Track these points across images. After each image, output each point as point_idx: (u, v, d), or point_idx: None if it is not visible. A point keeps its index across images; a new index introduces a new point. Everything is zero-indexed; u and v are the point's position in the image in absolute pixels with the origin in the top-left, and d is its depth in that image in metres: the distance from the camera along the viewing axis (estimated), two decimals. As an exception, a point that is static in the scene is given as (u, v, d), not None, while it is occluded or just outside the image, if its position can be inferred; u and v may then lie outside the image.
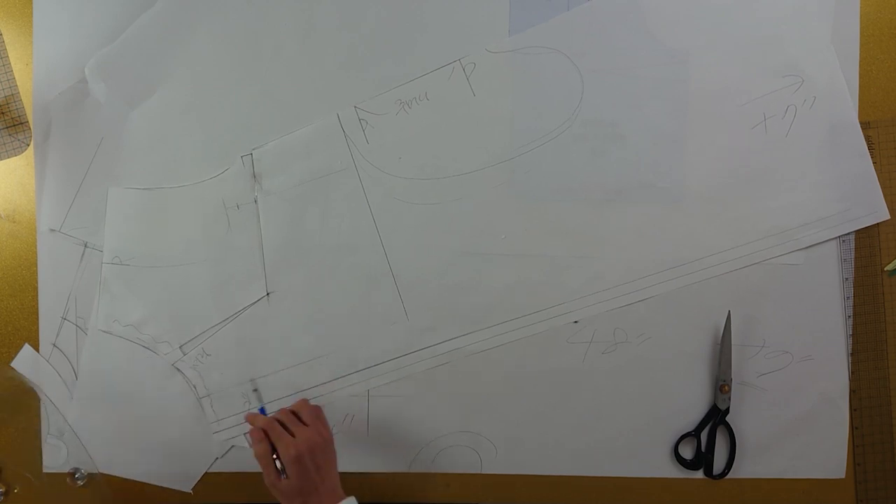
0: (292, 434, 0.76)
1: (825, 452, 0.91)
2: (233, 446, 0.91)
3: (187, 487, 0.91)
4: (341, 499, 0.75)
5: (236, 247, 0.89)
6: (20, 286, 0.91)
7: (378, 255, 0.89)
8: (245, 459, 0.91)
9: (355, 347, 0.90)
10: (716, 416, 0.89)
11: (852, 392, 0.90)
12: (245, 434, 0.90)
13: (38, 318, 0.91)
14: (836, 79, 0.87)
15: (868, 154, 0.88)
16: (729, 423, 0.89)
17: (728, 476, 0.91)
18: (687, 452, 0.91)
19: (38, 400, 0.91)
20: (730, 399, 0.89)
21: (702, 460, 0.90)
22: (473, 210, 0.88)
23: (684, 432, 0.90)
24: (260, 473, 0.88)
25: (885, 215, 0.88)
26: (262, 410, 0.86)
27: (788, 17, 0.87)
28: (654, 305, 0.89)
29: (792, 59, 0.87)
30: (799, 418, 0.90)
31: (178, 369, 0.90)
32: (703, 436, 0.90)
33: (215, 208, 0.89)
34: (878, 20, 0.88)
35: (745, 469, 0.91)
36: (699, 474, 0.91)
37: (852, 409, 0.90)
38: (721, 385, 0.88)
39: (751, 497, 0.91)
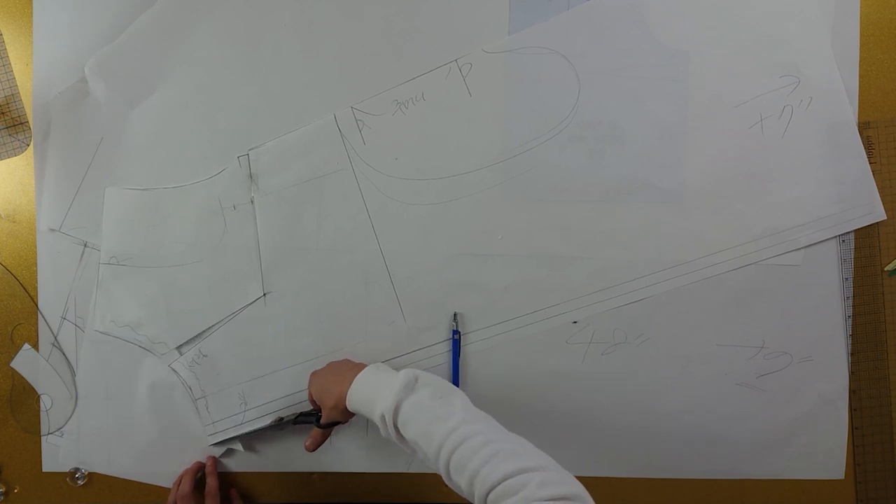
0: None
1: (825, 452, 0.91)
2: (228, 448, 0.91)
3: None
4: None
5: (233, 247, 0.89)
6: (20, 286, 0.91)
7: (375, 256, 0.89)
8: (241, 459, 0.91)
9: (353, 348, 0.89)
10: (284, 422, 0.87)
11: (852, 392, 0.90)
12: (241, 436, 0.90)
13: (37, 318, 0.91)
14: (832, 79, 0.87)
15: (864, 154, 0.88)
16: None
17: (727, 476, 0.91)
18: None
19: (38, 400, 0.91)
20: None
21: None
22: (470, 210, 0.88)
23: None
24: (255, 473, 0.89)
25: (881, 216, 0.88)
26: (457, 333, 0.87)
27: (786, 18, 0.87)
28: (652, 306, 0.89)
29: (789, 59, 0.87)
30: (799, 419, 0.90)
31: (174, 370, 0.90)
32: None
33: (212, 209, 0.89)
34: (878, 20, 0.88)
35: (745, 469, 0.91)
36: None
37: (852, 409, 0.90)
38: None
39: (751, 497, 0.91)
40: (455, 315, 0.88)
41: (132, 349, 0.90)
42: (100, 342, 0.90)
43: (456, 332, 0.88)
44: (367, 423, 0.90)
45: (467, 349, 0.89)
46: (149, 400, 0.90)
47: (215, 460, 0.91)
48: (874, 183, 0.88)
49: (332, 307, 0.89)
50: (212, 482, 0.89)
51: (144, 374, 0.90)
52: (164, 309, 0.89)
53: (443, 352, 0.89)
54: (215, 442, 0.90)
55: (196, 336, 0.90)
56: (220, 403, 0.90)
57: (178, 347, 0.90)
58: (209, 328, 0.90)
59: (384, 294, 0.89)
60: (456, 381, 0.88)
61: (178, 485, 0.89)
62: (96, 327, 0.90)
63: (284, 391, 0.90)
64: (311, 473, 0.92)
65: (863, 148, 0.87)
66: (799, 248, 0.88)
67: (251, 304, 0.89)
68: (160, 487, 0.92)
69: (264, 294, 0.89)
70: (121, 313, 0.90)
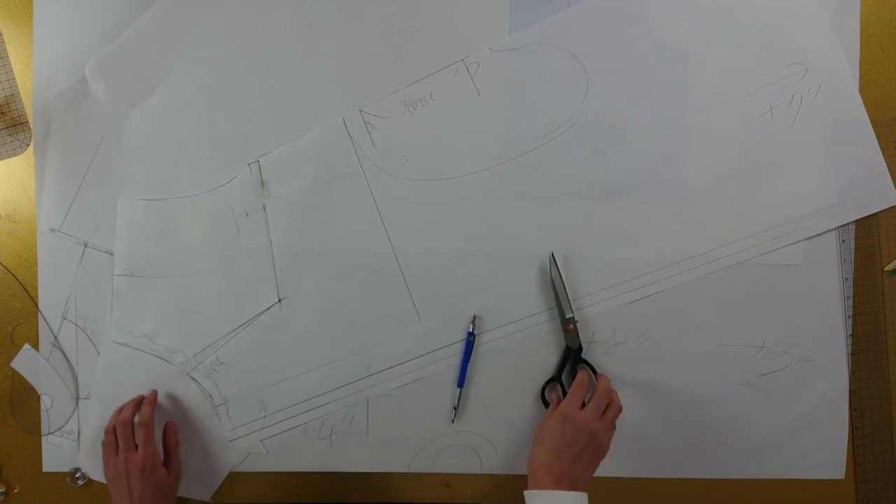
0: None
1: (825, 452, 0.91)
2: (250, 453, 0.91)
3: (206, 496, 0.91)
4: (574, 488, 0.76)
5: (246, 254, 0.89)
6: (20, 286, 0.91)
7: (388, 258, 0.88)
8: (262, 462, 0.91)
9: (369, 350, 0.89)
10: (571, 357, 0.88)
11: (852, 392, 0.90)
12: (261, 441, 0.91)
13: (38, 318, 0.91)
14: (840, 66, 0.87)
15: (875, 138, 0.87)
16: (587, 359, 0.88)
17: (726, 476, 0.91)
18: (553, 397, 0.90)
19: (38, 400, 0.91)
20: (579, 337, 0.88)
21: None
22: (481, 210, 0.88)
23: (547, 378, 0.89)
24: (254, 473, 0.88)
25: (894, 200, 0.88)
26: (471, 335, 0.88)
27: (792, 6, 0.86)
28: (654, 306, 0.89)
29: (796, 47, 0.87)
30: (799, 419, 0.90)
31: (192, 378, 0.90)
32: (567, 380, 0.89)
33: (224, 216, 0.89)
34: (878, 20, 0.88)
35: (745, 469, 0.91)
36: None
37: (852, 409, 0.90)
38: (567, 325, 0.87)
39: (751, 497, 0.91)
40: (474, 318, 0.88)
41: (146, 359, 0.90)
42: (114, 353, 0.90)
43: (471, 333, 0.88)
44: (368, 422, 0.90)
45: (480, 349, 0.89)
46: (165, 409, 0.90)
47: (156, 392, 0.89)
48: (885, 166, 0.87)
49: (347, 310, 0.89)
50: (147, 411, 0.86)
51: (159, 384, 0.90)
52: (181, 318, 0.89)
53: (459, 352, 0.89)
54: (240, 447, 0.91)
55: (213, 344, 0.90)
56: (240, 409, 0.90)
57: (196, 355, 0.90)
58: (226, 335, 0.89)
59: (399, 296, 0.89)
60: (462, 382, 0.88)
61: (119, 411, 0.87)
62: (113, 338, 0.90)
63: (302, 396, 0.90)
64: (311, 473, 0.92)
65: (873, 132, 0.87)
66: (812, 237, 0.88)
67: (267, 310, 0.89)
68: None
69: (279, 300, 0.89)
70: (137, 324, 0.90)
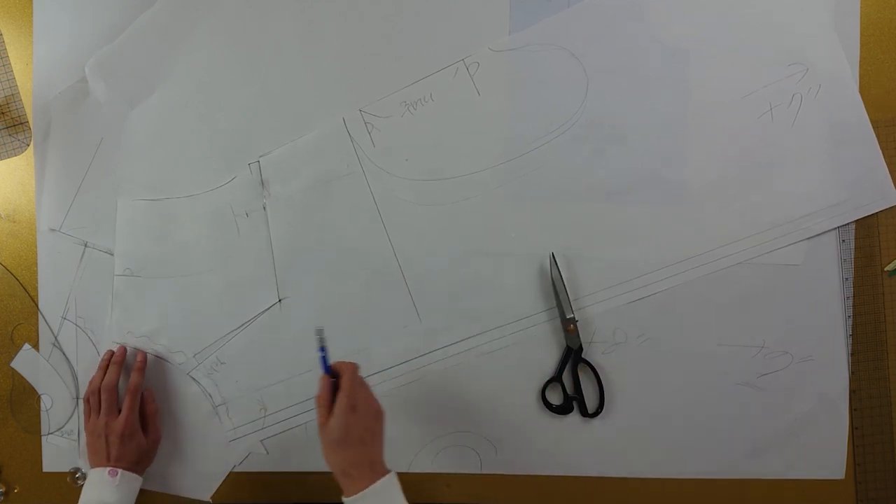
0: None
1: (825, 452, 0.91)
2: (250, 453, 0.91)
3: (206, 496, 0.92)
4: (382, 473, 0.73)
5: (246, 254, 0.89)
6: (20, 286, 0.91)
7: (388, 258, 0.88)
8: (262, 462, 0.91)
9: (370, 350, 0.89)
10: (571, 357, 0.88)
11: (852, 392, 0.90)
12: (261, 441, 0.91)
13: (38, 318, 0.91)
14: (840, 66, 0.87)
15: (875, 138, 0.87)
16: (587, 359, 0.89)
17: (727, 476, 0.91)
18: (554, 398, 0.90)
19: (38, 400, 0.91)
20: (579, 337, 0.88)
21: (571, 403, 0.89)
22: (481, 210, 0.88)
23: (547, 378, 0.89)
24: (253, 473, 0.88)
25: (894, 200, 0.88)
26: (323, 350, 0.84)
27: (792, 6, 0.86)
28: (654, 306, 0.89)
29: (796, 47, 0.87)
30: (799, 419, 0.90)
31: (192, 378, 0.90)
32: (567, 380, 0.89)
33: (224, 217, 0.89)
34: (878, 20, 0.88)
35: (745, 469, 0.91)
36: (575, 418, 0.90)
37: (852, 409, 0.90)
38: (567, 325, 0.87)
39: (751, 497, 0.91)
40: (319, 331, 0.80)
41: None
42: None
43: (323, 349, 0.80)
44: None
45: (480, 349, 0.89)
46: (164, 409, 0.90)
47: (146, 356, 0.89)
48: (885, 166, 0.87)
49: (347, 311, 0.89)
50: (137, 378, 0.87)
51: (160, 384, 0.90)
52: (181, 318, 0.90)
53: (459, 352, 0.89)
54: (240, 447, 0.91)
55: (213, 344, 0.90)
56: (240, 409, 0.90)
57: (196, 355, 0.90)
58: (226, 335, 0.90)
59: (399, 296, 0.89)
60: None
61: (104, 371, 0.87)
62: (114, 338, 0.90)
63: (302, 396, 0.90)
64: (311, 473, 0.92)
65: (873, 132, 0.87)
66: (812, 237, 0.88)
67: (266, 310, 0.89)
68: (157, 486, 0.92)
69: (279, 300, 0.89)
70: (138, 324, 0.90)
